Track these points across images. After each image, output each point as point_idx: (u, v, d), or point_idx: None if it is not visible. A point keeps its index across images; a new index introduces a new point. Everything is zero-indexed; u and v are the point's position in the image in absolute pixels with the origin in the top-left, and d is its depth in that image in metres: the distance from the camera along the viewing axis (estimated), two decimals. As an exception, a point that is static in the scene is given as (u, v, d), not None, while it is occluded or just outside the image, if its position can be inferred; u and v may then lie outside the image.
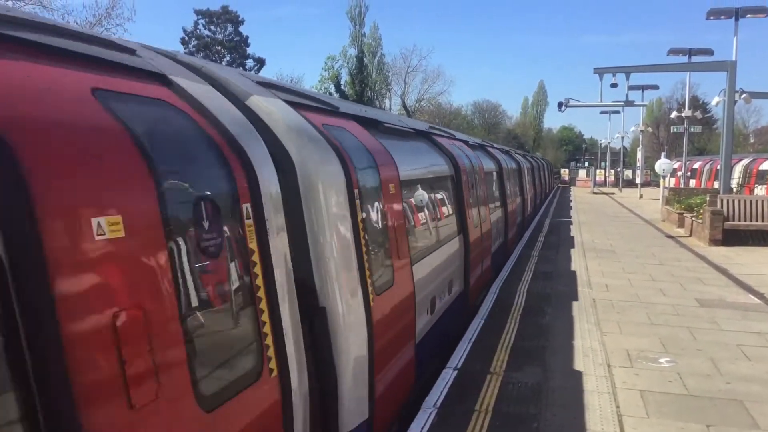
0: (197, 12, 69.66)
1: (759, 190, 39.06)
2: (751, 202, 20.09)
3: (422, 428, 6.01)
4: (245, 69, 68.23)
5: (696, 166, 57.82)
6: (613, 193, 58.02)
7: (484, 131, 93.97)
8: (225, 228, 3.54)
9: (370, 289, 5.34)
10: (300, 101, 5.71)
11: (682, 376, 7.58)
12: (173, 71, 3.95)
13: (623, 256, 17.32)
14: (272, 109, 4.85)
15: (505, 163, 19.46)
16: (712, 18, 26.08)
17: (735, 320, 10.25)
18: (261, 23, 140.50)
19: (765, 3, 25.14)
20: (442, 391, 6.94)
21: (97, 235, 2.54)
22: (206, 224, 3.34)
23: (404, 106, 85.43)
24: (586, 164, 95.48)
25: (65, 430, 2.27)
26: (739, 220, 19.70)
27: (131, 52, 3.71)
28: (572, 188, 70.06)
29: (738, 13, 25.09)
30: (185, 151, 3.49)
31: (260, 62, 72.24)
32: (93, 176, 2.63)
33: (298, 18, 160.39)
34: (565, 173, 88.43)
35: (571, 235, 22.68)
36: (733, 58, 24.17)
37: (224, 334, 3.55)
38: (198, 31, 70.19)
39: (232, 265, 3.58)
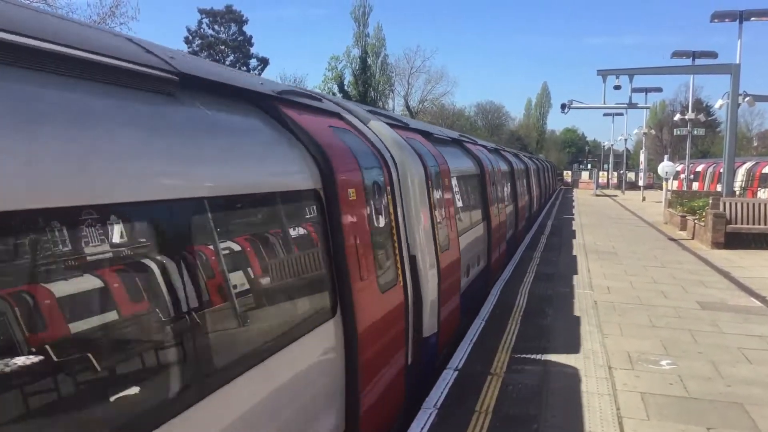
0: (201, 11, 69.73)
1: (762, 194, 38.98)
2: (753, 205, 20.07)
3: (422, 428, 6.01)
4: (248, 69, 68.32)
5: (699, 168, 57.75)
6: (615, 196, 57.97)
7: (487, 132, 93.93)
8: (384, 199, 6.36)
9: (438, 247, 8.01)
10: (391, 122, 8.55)
11: (682, 379, 7.57)
12: (339, 110, 6.71)
13: (625, 258, 17.31)
14: (381, 129, 7.52)
15: (516, 164, 22.38)
16: (716, 21, 26.02)
17: (736, 323, 10.24)
18: (265, 23, 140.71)
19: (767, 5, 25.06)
20: (442, 392, 6.94)
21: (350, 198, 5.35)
22: (378, 196, 6.16)
23: (407, 107, 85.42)
24: (589, 166, 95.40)
25: None
26: (742, 223, 19.67)
27: (320, 99, 6.39)
28: (575, 190, 70.08)
29: (742, 16, 25.03)
30: (367, 157, 6.17)
31: (264, 62, 72.30)
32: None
33: (302, 18, 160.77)
34: (567, 175, 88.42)
35: (573, 236, 22.67)
36: (737, 61, 24.13)
37: (388, 260, 6.26)
38: (202, 30, 70.22)
39: (387, 220, 6.35)
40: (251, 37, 71.66)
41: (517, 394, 6.95)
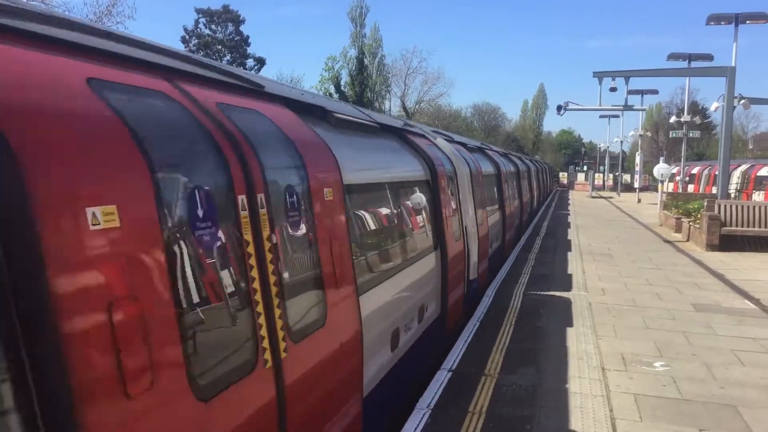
0: (198, 11, 69.70)
1: (757, 196, 39.09)
2: (748, 207, 20.11)
3: (416, 428, 6.01)
4: (245, 68, 68.23)
5: (694, 171, 57.86)
6: (611, 197, 58.07)
7: (483, 134, 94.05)
8: (453, 188, 9.62)
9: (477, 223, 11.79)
10: (445, 137, 11.61)
11: (676, 381, 7.59)
12: (425, 132, 10.22)
13: (620, 260, 17.34)
14: (443, 143, 11.31)
15: (520, 166, 23.72)
16: (712, 23, 26.07)
17: (730, 325, 10.26)
18: (262, 23, 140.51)
19: (765, 9, 25.14)
20: (436, 392, 6.95)
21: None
22: (451, 186, 9.66)
23: (404, 108, 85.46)
24: (585, 168, 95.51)
25: None
26: (737, 226, 19.72)
27: (419, 128, 9.11)
28: (571, 192, 70.12)
29: (738, 19, 25.09)
30: (445, 161, 10.01)
31: (260, 62, 72.28)
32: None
33: (300, 18, 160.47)
34: (563, 177, 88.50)
35: (569, 238, 22.71)
36: (733, 64, 24.20)
37: (456, 224, 9.31)
38: (198, 29, 70.19)
39: (455, 201, 9.47)
40: (248, 36, 71.65)
41: (511, 395, 6.96)
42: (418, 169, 8.84)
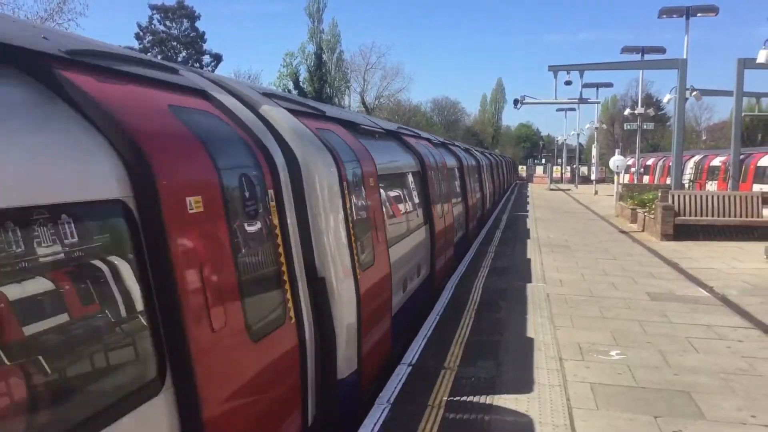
0: (152, 7, 68.67)
1: (710, 186, 39.98)
2: (701, 197, 20.54)
3: (375, 424, 6.00)
4: (201, 65, 67.45)
5: (649, 162, 59.01)
6: (569, 190, 58.83)
7: (443, 128, 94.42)
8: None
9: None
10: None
11: (631, 369, 7.71)
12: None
13: (577, 251, 17.57)
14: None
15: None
16: (664, 16, 26.56)
17: (684, 313, 10.46)
18: (218, 19, 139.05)
19: (715, 2, 25.67)
20: (395, 387, 6.93)
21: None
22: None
23: (363, 104, 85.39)
24: (543, 161, 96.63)
25: None
26: (690, 215, 20.13)
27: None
28: (530, 185, 70.85)
29: (689, 12, 25.61)
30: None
31: (217, 58, 71.54)
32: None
33: (258, 14, 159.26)
34: (522, 170, 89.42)
35: (528, 230, 22.93)
36: (684, 56, 24.68)
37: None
38: (153, 26, 69.16)
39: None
40: (204, 33, 70.91)
41: (470, 388, 6.99)
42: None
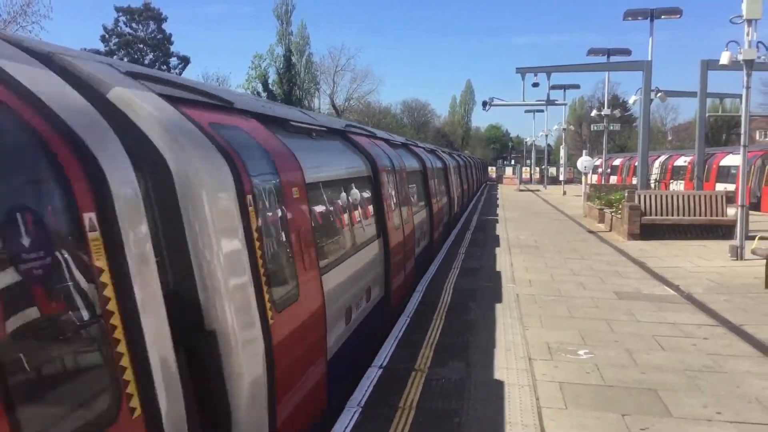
0: (118, 9, 67.71)
1: (675, 185, 40.59)
2: (666, 197, 20.84)
3: (346, 427, 5.99)
4: (169, 68, 66.86)
5: (617, 163, 59.73)
6: (538, 190, 59.29)
7: (413, 130, 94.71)
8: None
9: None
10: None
11: (599, 368, 7.79)
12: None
13: (546, 251, 17.73)
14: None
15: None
16: (629, 18, 26.92)
17: (651, 311, 10.61)
18: (186, 21, 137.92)
19: (679, 4, 26.08)
20: (366, 390, 6.93)
21: None
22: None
23: (333, 106, 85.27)
24: (513, 162, 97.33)
25: None
26: (656, 215, 20.41)
27: None
28: (499, 186, 71.34)
29: (653, 14, 25.97)
30: None
31: (184, 61, 70.87)
32: None
33: (226, 16, 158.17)
34: (492, 171, 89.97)
35: (497, 232, 23.05)
36: (649, 58, 25.04)
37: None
38: (119, 28, 68.24)
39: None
40: (171, 35, 70.06)
41: (441, 389, 7.01)
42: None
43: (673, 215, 20.40)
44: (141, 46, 68.35)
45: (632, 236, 20.12)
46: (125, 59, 54.20)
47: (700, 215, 20.30)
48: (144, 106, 3.98)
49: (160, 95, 4.36)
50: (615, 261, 16.03)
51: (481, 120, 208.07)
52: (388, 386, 7.07)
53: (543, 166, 76.15)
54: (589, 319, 10.16)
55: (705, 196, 20.70)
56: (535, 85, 29.13)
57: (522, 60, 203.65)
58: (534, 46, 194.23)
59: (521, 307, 10.89)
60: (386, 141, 13.71)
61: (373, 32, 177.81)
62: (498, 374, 7.49)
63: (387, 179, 10.85)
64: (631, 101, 29.72)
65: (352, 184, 8.94)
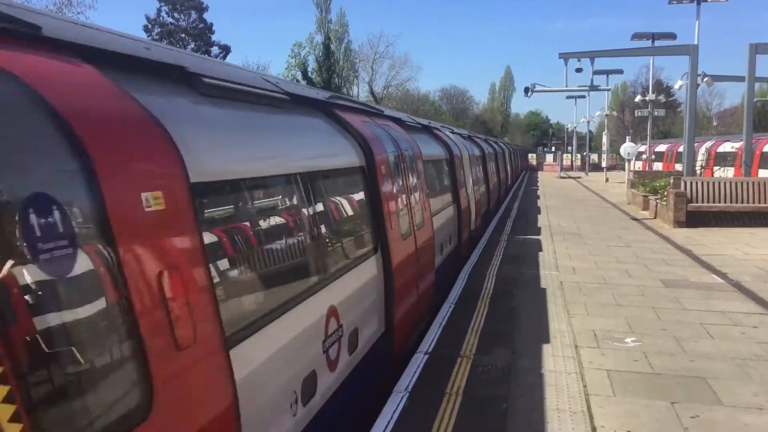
0: (160, -1, 68.54)
1: (718, 172, 39.71)
2: (714, 183, 20.46)
3: (394, 412, 6.06)
4: (210, 56, 67.38)
5: (661, 149, 58.66)
6: (579, 177, 58.62)
7: (451, 117, 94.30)
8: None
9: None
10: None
11: (647, 355, 7.73)
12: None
13: (589, 239, 17.56)
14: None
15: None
16: (674, 2, 26.37)
17: (698, 300, 10.46)
18: (227, 10, 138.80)
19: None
20: (413, 376, 7.00)
21: None
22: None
23: (372, 93, 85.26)
24: (553, 149, 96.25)
25: None
26: (702, 202, 20.05)
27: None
28: (539, 173, 70.64)
29: (700, -2, 25.40)
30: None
31: (225, 50, 71.43)
32: None
33: (266, 4, 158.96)
34: (532, 158, 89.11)
35: (539, 219, 22.91)
36: (695, 42, 24.51)
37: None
38: (161, 18, 69.08)
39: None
40: (212, 24, 70.73)
41: (487, 376, 7.04)
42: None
43: (720, 202, 20.01)
44: (183, 35, 69.13)
45: (678, 223, 19.80)
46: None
47: (748, 202, 19.88)
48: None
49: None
50: (660, 248, 15.81)
51: (520, 107, 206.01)
52: (435, 372, 7.12)
53: (584, 153, 75.20)
54: (635, 306, 10.07)
55: (753, 182, 20.27)
56: (579, 70, 28.72)
57: (560, 46, 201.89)
58: (572, 32, 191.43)
59: (566, 294, 10.84)
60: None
61: (412, 19, 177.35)
62: (544, 361, 7.49)
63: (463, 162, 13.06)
64: (676, 86, 29.05)
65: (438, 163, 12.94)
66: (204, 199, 3.82)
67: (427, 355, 7.67)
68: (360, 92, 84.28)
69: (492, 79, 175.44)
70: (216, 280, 3.55)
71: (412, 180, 9.45)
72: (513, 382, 6.85)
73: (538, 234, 18.60)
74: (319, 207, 5.96)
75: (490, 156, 27.30)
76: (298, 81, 68.67)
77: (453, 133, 19.00)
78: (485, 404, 6.27)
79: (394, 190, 8.18)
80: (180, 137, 3.39)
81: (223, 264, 4.07)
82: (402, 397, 6.39)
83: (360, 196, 7.25)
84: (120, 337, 2.79)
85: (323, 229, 5.98)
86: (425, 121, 16.56)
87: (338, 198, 6.78)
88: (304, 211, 5.54)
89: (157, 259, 2.96)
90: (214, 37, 71.24)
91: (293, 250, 5.32)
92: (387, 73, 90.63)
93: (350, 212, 7.07)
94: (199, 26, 69.91)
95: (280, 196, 5.39)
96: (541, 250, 15.62)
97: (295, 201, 5.48)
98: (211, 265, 3.48)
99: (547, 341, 8.26)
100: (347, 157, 6.93)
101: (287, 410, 4.41)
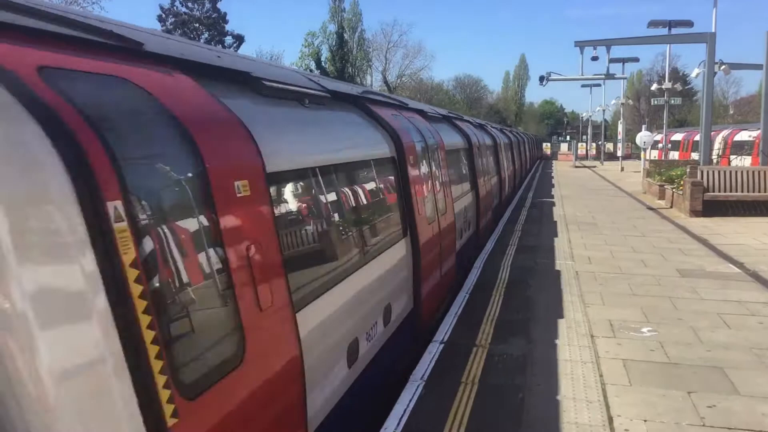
0: (174, -11, 68.57)
1: (737, 161, 39.37)
2: (730, 173, 20.29)
3: (410, 400, 6.09)
4: (224, 46, 67.45)
5: (677, 138, 58.19)
6: (594, 167, 58.30)
7: (465, 106, 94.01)
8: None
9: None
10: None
11: (663, 345, 7.72)
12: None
13: (605, 228, 17.49)
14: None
15: (499, 139, 21.08)
16: (691, -11, 26.09)
17: (715, 289, 10.41)
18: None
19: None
20: (429, 364, 7.03)
21: None
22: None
23: (385, 82, 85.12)
24: (568, 138, 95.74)
25: None
26: (719, 191, 19.91)
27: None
28: (554, 162, 70.32)
29: (718, -15, 25.11)
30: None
31: (239, 39, 71.43)
32: None
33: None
34: (547, 147, 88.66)
35: (554, 208, 22.83)
36: (713, 30, 24.26)
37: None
38: (175, 8, 69.10)
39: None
40: (225, 14, 70.66)
41: (503, 365, 7.05)
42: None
43: (737, 191, 19.86)
44: (197, 25, 69.16)
45: (694, 213, 19.68)
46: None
47: (765, 191, 19.71)
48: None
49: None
50: (676, 238, 15.72)
51: (534, 95, 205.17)
52: (450, 361, 7.14)
53: (599, 142, 74.75)
54: (651, 296, 10.03)
55: (771, 171, 20.07)
56: (594, 58, 28.54)
57: (575, 34, 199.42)
58: (588, 20, 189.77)
59: (581, 284, 10.81)
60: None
61: (425, 8, 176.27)
62: (560, 351, 7.49)
63: (480, 151, 14.59)
64: (693, 74, 28.77)
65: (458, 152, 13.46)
66: (275, 186, 4.41)
67: (442, 345, 7.69)
68: (374, 81, 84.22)
69: (506, 68, 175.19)
70: (285, 255, 4.14)
71: (436, 168, 9.98)
72: (529, 371, 6.86)
73: (553, 224, 18.54)
74: (361, 193, 6.65)
75: (506, 146, 27.21)
76: (311, 71, 68.71)
77: (470, 123, 19.14)
78: (501, 393, 6.29)
79: (421, 178, 8.79)
80: (257, 134, 4.04)
81: (290, 242, 4.71)
82: (418, 386, 6.43)
83: (392, 183, 7.81)
84: (224, 301, 3.41)
85: (365, 214, 6.68)
86: (444, 111, 17.08)
87: (375, 185, 7.27)
88: (352, 197, 6.33)
89: (246, 239, 3.61)
90: (227, 27, 71.27)
91: (344, 230, 6.00)
92: (401, 62, 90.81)
93: (386, 198, 7.61)
94: (213, 15, 69.90)
95: (332, 184, 5.82)
96: (556, 239, 15.58)
97: (344, 188, 6.18)
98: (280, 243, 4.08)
99: (563, 331, 8.25)
100: (382, 148, 7.58)
101: (337, 368, 5.18)
